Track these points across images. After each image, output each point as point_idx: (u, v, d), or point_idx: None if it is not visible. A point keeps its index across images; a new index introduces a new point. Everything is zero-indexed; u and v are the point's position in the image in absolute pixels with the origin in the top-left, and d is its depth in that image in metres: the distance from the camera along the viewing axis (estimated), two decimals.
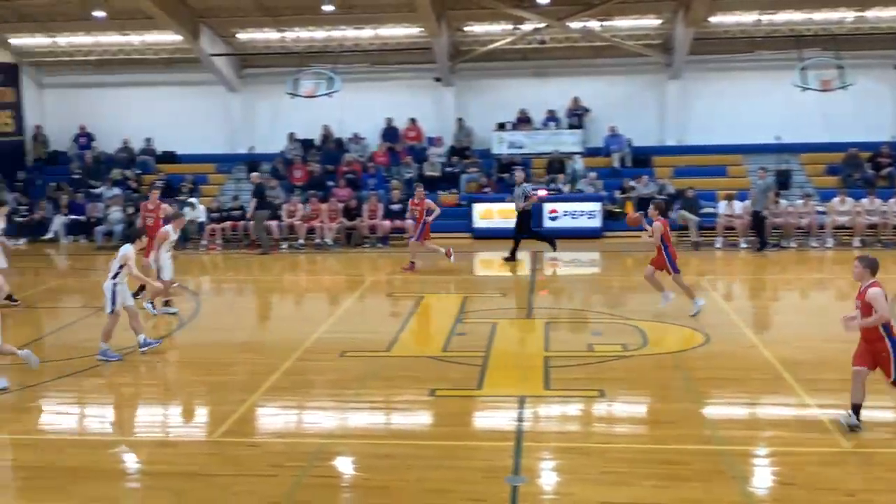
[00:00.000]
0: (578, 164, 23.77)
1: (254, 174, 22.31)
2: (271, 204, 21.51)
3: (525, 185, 19.16)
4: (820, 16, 23.46)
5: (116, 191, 23.54)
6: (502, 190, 22.90)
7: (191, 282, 17.47)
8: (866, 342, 8.09)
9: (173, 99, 26.23)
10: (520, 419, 8.87)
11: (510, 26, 24.23)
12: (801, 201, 20.94)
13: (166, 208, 16.19)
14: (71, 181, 24.61)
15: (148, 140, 26.19)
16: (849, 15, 23.43)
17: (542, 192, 20.39)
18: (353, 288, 16.99)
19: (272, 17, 23.82)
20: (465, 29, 24.85)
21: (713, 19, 23.54)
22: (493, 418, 9.21)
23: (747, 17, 23.68)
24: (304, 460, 7.91)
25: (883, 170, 22.71)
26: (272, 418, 9.40)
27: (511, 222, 19.01)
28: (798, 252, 19.96)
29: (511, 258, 18.53)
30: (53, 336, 13.28)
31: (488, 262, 19.08)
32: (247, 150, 25.60)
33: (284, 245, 21.40)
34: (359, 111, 24.94)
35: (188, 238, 21.63)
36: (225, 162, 25.52)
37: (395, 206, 21.79)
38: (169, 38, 24.73)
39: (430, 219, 17.95)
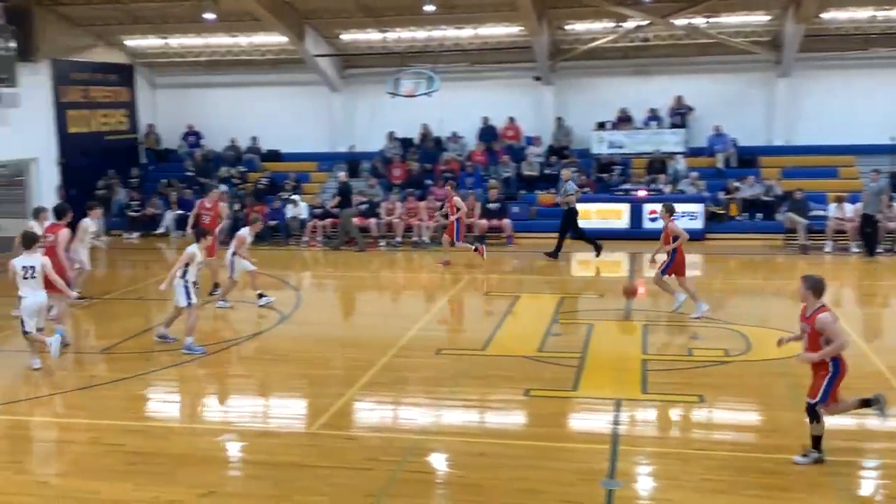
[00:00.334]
0: (680, 164, 23.26)
1: (341, 174, 22.70)
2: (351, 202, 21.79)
3: (571, 182, 19.09)
4: None
5: (223, 188, 24.25)
6: (601, 190, 22.66)
7: (292, 277, 17.95)
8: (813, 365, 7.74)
9: (278, 99, 26.87)
10: (616, 422, 8.77)
11: (612, 24, 23.89)
12: None
13: (223, 207, 16.77)
14: (182, 178, 25.50)
15: (254, 139, 26.94)
16: None
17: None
18: (449, 286, 17.10)
19: (374, 17, 24.14)
20: (566, 27, 24.62)
21: (825, 15, 22.67)
22: (589, 420, 9.14)
23: (861, 13, 22.68)
24: (400, 455, 8.02)
25: None
26: (369, 413, 9.56)
27: (612, 222, 18.83)
28: None
29: (553, 255, 18.54)
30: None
31: (586, 263, 18.89)
32: (347, 149, 26.07)
33: (382, 242, 21.71)
34: (457, 110, 25.01)
35: (290, 234, 22.22)
36: (326, 160, 26.02)
37: (493, 206, 21.82)
38: (275, 39, 25.38)
39: (453, 217, 18.41)
